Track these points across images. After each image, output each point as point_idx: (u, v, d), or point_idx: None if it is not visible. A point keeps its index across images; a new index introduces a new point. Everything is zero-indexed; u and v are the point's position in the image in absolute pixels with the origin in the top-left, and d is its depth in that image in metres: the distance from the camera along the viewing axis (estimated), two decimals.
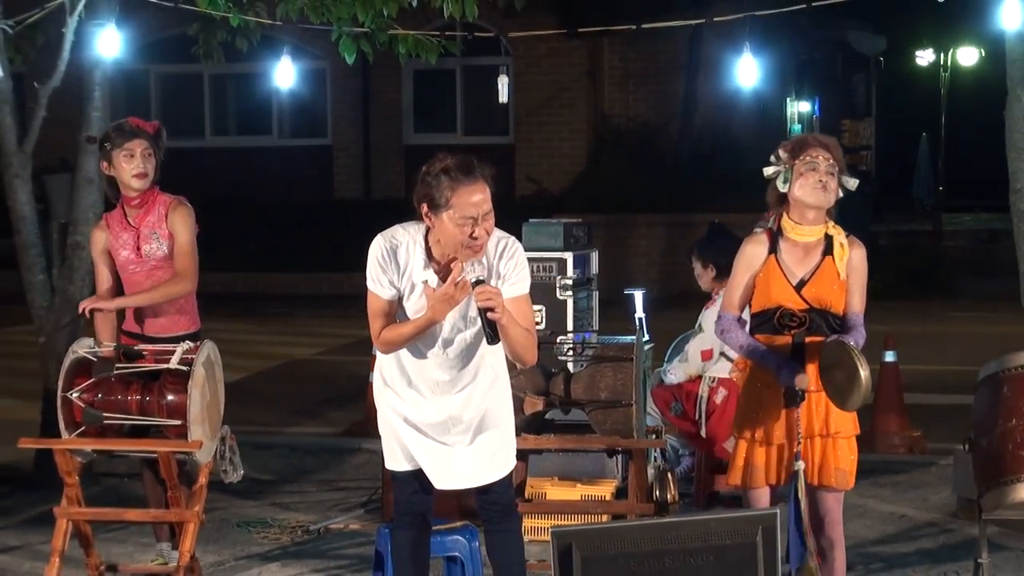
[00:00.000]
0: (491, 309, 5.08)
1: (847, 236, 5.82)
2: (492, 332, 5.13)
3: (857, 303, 5.80)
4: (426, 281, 5.22)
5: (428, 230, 5.25)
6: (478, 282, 5.10)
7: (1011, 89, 7.76)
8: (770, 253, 5.79)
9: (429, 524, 5.62)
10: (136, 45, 13.46)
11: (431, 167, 5.19)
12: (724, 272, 8.10)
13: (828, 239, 5.78)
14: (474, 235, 5.12)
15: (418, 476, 5.45)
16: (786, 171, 5.75)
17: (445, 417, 5.39)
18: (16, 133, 8.63)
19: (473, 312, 5.22)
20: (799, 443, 5.70)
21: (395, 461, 5.48)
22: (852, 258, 5.78)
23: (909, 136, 28.33)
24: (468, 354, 5.37)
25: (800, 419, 5.73)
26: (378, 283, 5.29)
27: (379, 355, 5.50)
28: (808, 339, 5.72)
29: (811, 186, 5.71)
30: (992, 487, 5.75)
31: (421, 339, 5.31)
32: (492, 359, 5.42)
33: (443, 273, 5.21)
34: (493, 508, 5.48)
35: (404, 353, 5.37)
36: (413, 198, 5.22)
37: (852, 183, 5.79)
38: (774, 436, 5.76)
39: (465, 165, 5.16)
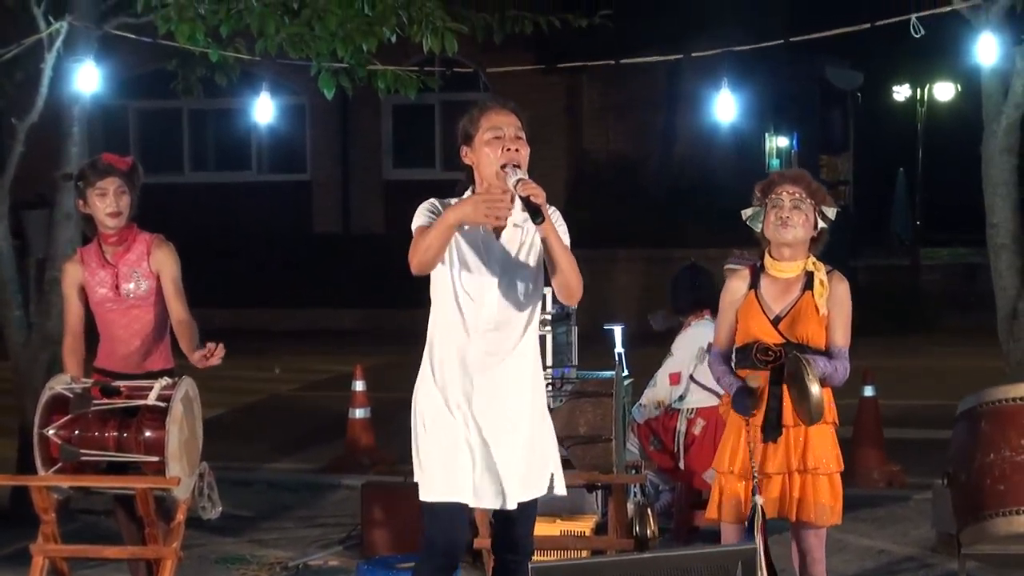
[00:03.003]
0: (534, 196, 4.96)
1: (829, 271, 5.84)
2: (535, 210, 4.93)
3: (839, 337, 5.81)
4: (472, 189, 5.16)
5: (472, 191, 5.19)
6: (520, 181, 4.99)
7: (987, 124, 7.81)
8: (750, 288, 5.84)
9: (458, 563, 5.39)
10: (115, 81, 13.40)
11: (467, 110, 5.27)
12: (678, 311, 8.20)
13: (809, 275, 5.81)
14: (507, 148, 5.08)
15: (457, 510, 5.17)
16: (759, 211, 5.85)
17: (503, 401, 5.17)
18: None
19: (523, 274, 5.14)
20: (755, 478, 5.70)
21: (439, 490, 5.15)
22: (834, 293, 5.80)
23: (887, 171, 28.44)
24: (514, 331, 5.18)
25: (777, 454, 5.74)
26: (423, 217, 5.13)
27: (423, 369, 5.25)
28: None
29: (772, 224, 5.79)
30: (971, 522, 5.76)
31: (471, 321, 5.13)
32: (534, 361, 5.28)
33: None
34: (515, 547, 5.27)
35: (454, 341, 5.16)
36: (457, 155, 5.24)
37: (831, 212, 5.84)
38: (751, 470, 5.75)
39: (495, 97, 5.30)
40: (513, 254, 5.20)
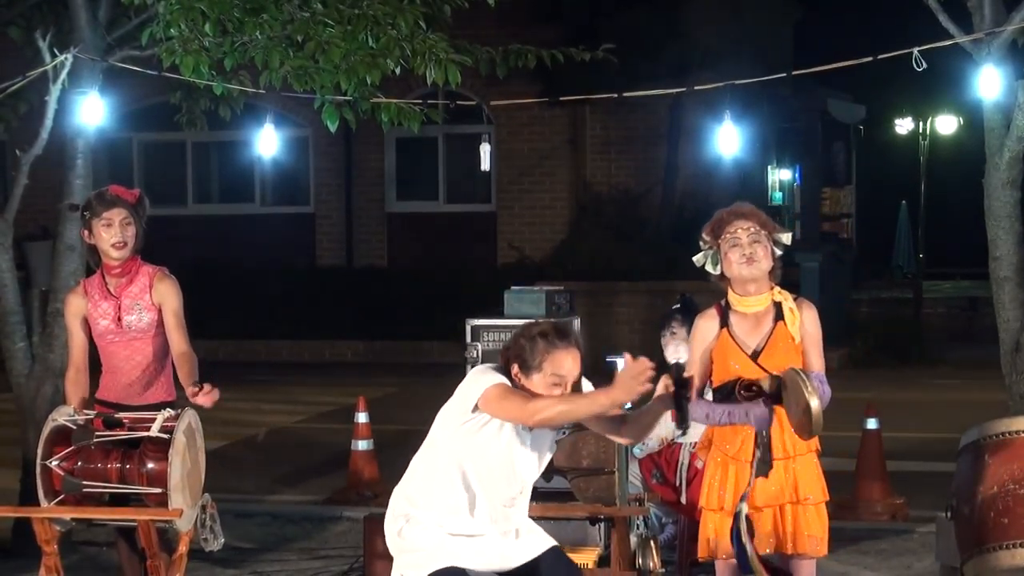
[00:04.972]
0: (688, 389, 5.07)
1: (796, 299, 5.87)
2: (684, 415, 5.10)
3: (815, 362, 5.84)
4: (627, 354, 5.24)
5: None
6: (678, 365, 5.10)
7: (989, 157, 7.82)
8: (722, 327, 5.84)
9: None
10: (119, 113, 13.48)
11: (527, 331, 5.25)
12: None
13: (777, 305, 5.83)
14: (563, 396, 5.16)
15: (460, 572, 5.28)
16: (713, 253, 5.85)
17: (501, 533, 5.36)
18: None
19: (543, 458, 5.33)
20: (749, 484, 5.70)
21: (438, 559, 5.27)
22: (803, 320, 5.83)
23: (889, 204, 28.45)
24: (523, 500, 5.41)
25: (768, 488, 5.74)
26: (499, 377, 5.22)
27: (425, 500, 5.36)
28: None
29: (737, 262, 5.80)
30: (974, 555, 5.75)
31: (504, 481, 5.29)
32: None
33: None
34: None
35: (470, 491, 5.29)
36: (502, 357, 5.27)
37: (785, 237, 5.86)
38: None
39: (562, 330, 5.25)
40: (544, 444, 5.36)
